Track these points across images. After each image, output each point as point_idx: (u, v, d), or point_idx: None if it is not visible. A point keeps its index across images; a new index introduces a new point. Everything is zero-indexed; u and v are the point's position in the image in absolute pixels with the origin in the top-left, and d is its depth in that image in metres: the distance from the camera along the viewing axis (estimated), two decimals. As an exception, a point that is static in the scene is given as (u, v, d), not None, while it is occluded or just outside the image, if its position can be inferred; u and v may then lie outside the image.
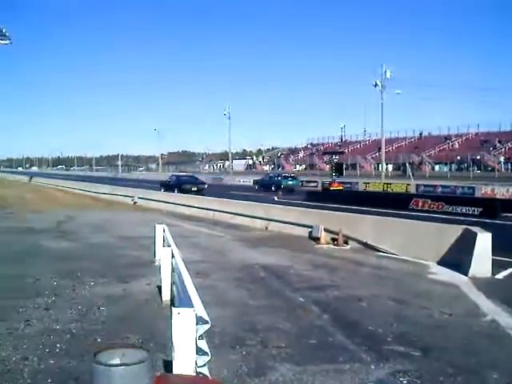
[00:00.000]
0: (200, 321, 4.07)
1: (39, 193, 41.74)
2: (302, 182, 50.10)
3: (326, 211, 17.25)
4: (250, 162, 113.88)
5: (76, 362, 5.45)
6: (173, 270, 7.56)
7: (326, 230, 14.63)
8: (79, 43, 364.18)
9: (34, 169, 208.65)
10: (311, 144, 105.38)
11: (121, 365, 1.55)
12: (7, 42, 48.25)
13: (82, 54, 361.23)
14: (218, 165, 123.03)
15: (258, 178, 55.54)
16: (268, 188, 45.71)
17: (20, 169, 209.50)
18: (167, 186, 40.16)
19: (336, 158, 37.48)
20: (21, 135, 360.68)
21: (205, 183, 42.85)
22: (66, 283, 9.11)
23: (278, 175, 51.58)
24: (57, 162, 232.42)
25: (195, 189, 38.59)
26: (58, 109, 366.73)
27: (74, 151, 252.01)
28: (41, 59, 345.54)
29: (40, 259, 11.52)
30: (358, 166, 73.26)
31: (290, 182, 47.32)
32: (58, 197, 37.59)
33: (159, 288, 8.35)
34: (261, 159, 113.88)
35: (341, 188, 36.08)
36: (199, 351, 4.12)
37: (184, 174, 60.55)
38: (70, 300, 7.99)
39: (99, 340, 6.19)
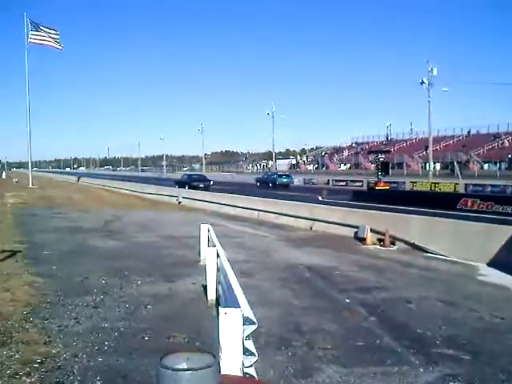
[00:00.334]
0: (247, 321, 4.04)
1: (86, 193, 42.64)
2: (293, 180, 56.17)
3: (372, 211, 16.99)
4: (294, 161, 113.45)
5: (124, 360, 5.52)
6: (218, 270, 7.58)
7: (372, 230, 14.43)
8: (123, 43, 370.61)
9: (82, 169, 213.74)
10: (356, 143, 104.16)
11: (187, 369, 1.54)
12: (61, 47, 49.62)
13: (127, 55, 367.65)
14: (262, 164, 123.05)
15: (301, 177, 61.73)
16: (267, 184, 52.26)
17: (68, 169, 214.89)
18: (180, 183, 45.40)
19: (382, 157, 36.84)
20: (69, 136, 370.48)
21: (210, 180, 47.95)
22: (114, 282, 9.25)
23: (275, 173, 59.60)
24: (104, 162, 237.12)
25: (202, 185, 43.96)
26: (105, 110, 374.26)
27: (120, 152, 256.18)
28: (86, 61, 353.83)
29: (88, 258, 11.75)
30: (404, 165, 71.96)
31: (284, 180, 53.73)
32: (104, 197, 38.34)
33: (204, 287, 8.38)
34: (304, 159, 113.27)
35: (387, 187, 35.47)
36: (246, 351, 4.09)
37: (195, 173, 69.22)
38: (118, 298, 8.10)
39: (146, 338, 6.25)
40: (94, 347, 5.88)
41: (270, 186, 51.25)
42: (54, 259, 11.36)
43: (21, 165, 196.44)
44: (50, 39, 48.56)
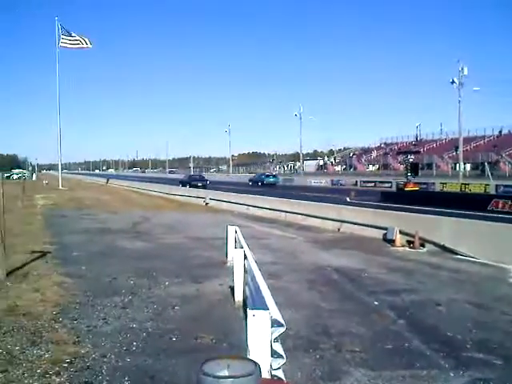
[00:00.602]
0: (275, 323, 4.00)
1: (115, 194, 43.11)
2: (279, 180, 65.01)
3: (401, 212, 16.79)
4: (321, 162, 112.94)
5: (152, 361, 5.53)
6: (245, 271, 7.56)
7: (401, 232, 14.25)
8: (150, 46, 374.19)
9: (111, 171, 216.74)
10: (385, 143, 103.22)
11: (229, 377, 1.51)
12: (89, 46, 50.32)
13: (155, 58, 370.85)
14: (289, 166, 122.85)
15: (330, 178, 62.29)
16: (257, 183, 61.09)
17: (97, 171, 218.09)
18: (183, 183, 53.73)
19: (411, 158, 36.47)
20: (98, 138, 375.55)
21: (207, 180, 56.71)
22: (142, 282, 9.30)
23: (263, 174, 69.78)
24: (132, 164, 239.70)
25: (200, 184, 51.31)
26: (134, 112, 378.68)
27: (148, 154, 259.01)
28: (116, 64, 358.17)
29: (116, 259, 11.85)
30: (434, 165, 71.05)
31: (271, 179, 63.13)
32: (133, 198, 38.72)
33: (232, 289, 8.37)
34: (332, 160, 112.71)
35: (416, 188, 35.06)
36: (274, 354, 4.05)
37: (196, 174, 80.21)
38: (146, 299, 8.14)
39: (174, 339, 6.26)
40: (123, 348, 5.90)
41: (259, 184, 60.06)
42: (83, 260, 11.48)
43: (51, 167, 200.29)
44: (79, 42, 49.32)
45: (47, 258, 11.44)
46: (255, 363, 1.57)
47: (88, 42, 49.86)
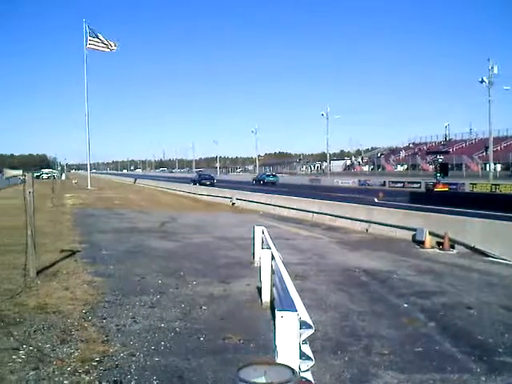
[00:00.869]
0: (303, 325, 3.96)
1: (143, 194, 43.54)
2: (278, 179, 70.49)
3: (431, 213, 16.53)
4: (349, 162, 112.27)
5: (180, 361, 5.53)
6: (272, 272, 7.52)
7: (430, 233, 14.06)
8: (177, 47, 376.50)
9: (138, 171, 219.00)
10: (413, 143, 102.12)
11: None
12: (114, 48, 50.89)
13: (182, 59, 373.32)
14: (316, 166, 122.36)
15: (357, 179, 59.73)
16: (259, 182, 67.79)
17: (125, 171, 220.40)
18: (194, 181, 61.07)
19: (440, 158, 35.95)
20: (126, 138, 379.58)
21: (214, 178, 65.27)
22: (170, 282, 9.34)
23: (264, 174, 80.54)
24: (159, 164, 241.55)
25: (208, 182, 58.45)
26: (161, 113, 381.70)
27: (175, 154, 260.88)
28: (143, 65, 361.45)
29: (144, 258, 11.92)
30: (463, 166, 69.95)
31: (271, 178, 69.91)
32: (160, 198, 39.02)
33: (259, 289, 8.33)
34: (360, 160, 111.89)
35: (446, 189, 34.55)
36: (302, 356, 4.01)
37: (206, 173, 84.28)
38: (174, 298, 8.17)
39: (202, 339, 6.26)
40: (151, 347, 5.92)
41: (261, 183, 66.85)
42: (112, 259, 11.59)
43: (79, 167, 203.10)
44: (105, 44, 49.94)
45: (76, 257, 11.58)
46: (292, 370, 1.54)
47: (113, 45, 50.46)
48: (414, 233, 14.68)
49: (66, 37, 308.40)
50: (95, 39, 49.54)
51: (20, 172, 11.02)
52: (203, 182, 59.20)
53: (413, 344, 6.32)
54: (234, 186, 44.97)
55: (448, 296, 8.81)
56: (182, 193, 44.59)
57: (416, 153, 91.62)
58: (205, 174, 78.81)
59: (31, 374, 5.03)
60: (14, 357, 5.46)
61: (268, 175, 74.87)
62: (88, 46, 49.73)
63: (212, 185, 54.40)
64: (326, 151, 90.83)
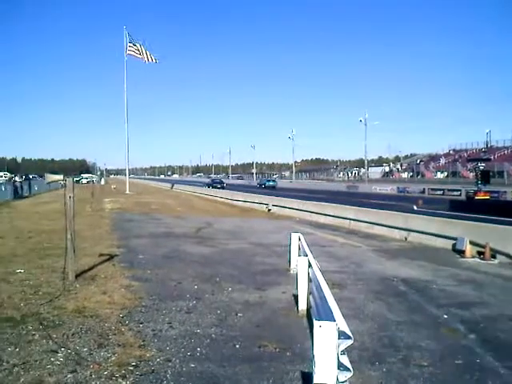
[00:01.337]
0: (342, 335, 3.88)
1: (179, 199, 43.93)
2: (277, 183, 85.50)
3: (471, 222, 16.18)
4: (387, 169, 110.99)
5: (216, 368, 5.50)
6: (309, 280, 7.44)
7: (471, 242, 13.73)
8: (214, 53, 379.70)
9: (175, 176, 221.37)
10: (453, 150, 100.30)
11: None
12: (153, 61, 51.67)
13: (220, 64, 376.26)
14: (353, 172, 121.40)
15: (395, 185, 59.97)
16: (261, 186, 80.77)
17: (162, 176, 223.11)
18: (208, 185, 74.33)
19: (482, 165, 35.07)
20: (163, 144, 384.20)
21: (224, 182, 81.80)
22: (206, 287, 9.34)
23: (265, 179, 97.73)
24: (196, 169, 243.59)
25: (219, 186, 72.14)
26: (198, 118, 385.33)
27: (212, 159, 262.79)
28: (180, 71, 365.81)
29: (181, 263, 11.97)
30: (505, 173, 68.21)
31: (271, 183, 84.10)
32: (196, 203, 39.32)
33: (295, 297, 8.26)
34: (398, 166, 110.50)
35: (487, 197, 33.63)
36: (340, 366, 3.93)
37: (217, 179, 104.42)
38: (210, 304, 8.15)
39: (237, 346, 6.21)
40: (187, 353, 5.91)
41: (263, 187, 79.06)
42: (149, 264, 11.67)
43: (118, 172, 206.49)
44: (145, 53, 50.73)
45: (114, 261, 11.70)
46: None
47: (153, 59, 51.21)
48: (454, 242, 14.38)
49: (106, 44, 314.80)
50: (135, 47, 50.35)
51: (61, 177, 11.18)
52: (215, 185, 72.47)
53: (453, 356, 6.15)
54: (245, 190, 47.30)
55: (489, 307, 8.59)
56: (217, 198, 44.83)
57: (456, 160, 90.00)
58: (216, 179, 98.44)
59: (69, 377, 5.07)
60: (52, 359, 5.52)
61: (268, 180, 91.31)
62: (128, 52, 50.58)
63: (222, 188, 67.83)
64: (363, 157, 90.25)
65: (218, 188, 65.35)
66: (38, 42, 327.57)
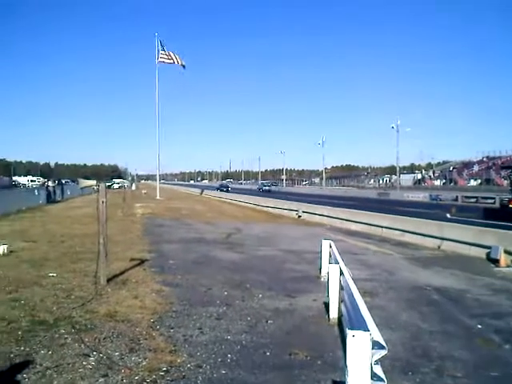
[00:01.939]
0: (375, 345, 3.81)
1: (209, 205, 44.13)
2: (271, 187, 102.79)
3: (506, 231, 15.79)
4: (419, 176, 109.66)
5: (246, 375, 5.47)
6: (341, 288, 7.35)
7: (506, 251, 13.44)
8: (243, 59, 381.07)
9: (205, 182, 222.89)
10: (487, 157, 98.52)
11: None
12: (182, 65, 52.25)
13: (249, 70, 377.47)
14: (385, 179, 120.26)
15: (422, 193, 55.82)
16: (259, 190, 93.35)
17: (192, 182, 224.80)
18: (217, 188, 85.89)
19: (516, 173, 34.35)
20: (193, 150, 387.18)
21: (229, 187, 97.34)
22: (236, 294, 9.33)
23: (262, 184, 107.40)
24: (225, 175, 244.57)
25: (225, 189, 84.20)
26: (228, 125, 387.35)
27: (241, 165, 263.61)
28: (209, 77, 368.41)
29: (211, 269, 11.97)
30: (541, 181, 66.68)
31: (266, 187, 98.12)
32: (226, 209, 39.42)
33: (326, 305, 8.19)
34: (431, 173, 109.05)
35: (522, 205, 32.87)
36: (374, 376, 3.86)
37: (224, 183, 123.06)
38: (240, 311, 8.13)
39: (268, 354, 6.17)
40: (218, 359, 5.89)
41: (261, 191, 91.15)
42: (179, 269, 11.71)
43: (148, 177, 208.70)
44: (176, 58, 51.31)
45: (145, 266, 11.78)
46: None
47: (182, 63, 51.81)
48: (489, 250, 14.10)
49: (138, 50, 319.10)
50: (166, 53, 50.94)
51: (94, 182, 11.33)
52: (221, 189, 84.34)
53: (488, 367, 6.03)
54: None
55: (526, 318, 8.36)
56: (247, 204, 44.86)
57: (490, 167, 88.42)
58: (223, 184, 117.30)
59: (101, 381, 5.10)
60: (84, 363, 5.57)
61: (265, 185, 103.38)
62: (159, 59, 51.19)
63: (227, 191, 77.71)
64: (395, 164, 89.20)
65: (224, 191, 76.32)
66: (67, 50, 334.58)
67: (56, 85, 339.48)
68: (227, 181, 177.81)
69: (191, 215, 30.60)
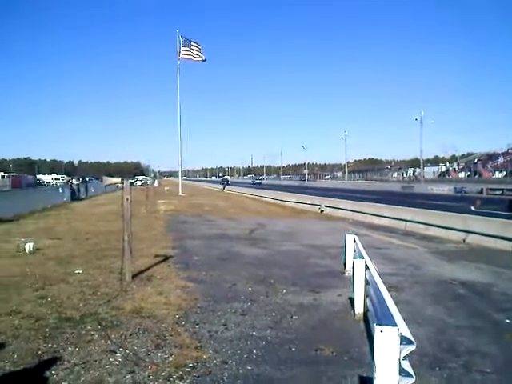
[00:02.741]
0: (403, 340, 3.77)
1: (231, 201, 44.20)
2: (260, 180, 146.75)
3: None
4: (443, 168, 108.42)
5: (272, 370, 5.46)
6: (366, 283, 7.30)
7: (532, 244, 13.21)
8: (266, 55, 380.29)
9: (226, 178, 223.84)
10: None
11: None
12: (202, 58, 52.35)
13: (271, 66, 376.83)
14: (408, 172, 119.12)
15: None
16: (251, 183, 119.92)
17: (213, 178, 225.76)
18: (220, 183, 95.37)
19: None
20: (215, 145, 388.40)
21: (228, 181, 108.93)
22: (260, 289, 9.32)
23: (255, 178, 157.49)
24: (247, 171, 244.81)
25: (225, 183, 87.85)
26: (250, 120, 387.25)
27: (263, 161, 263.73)
28: (231, 73, 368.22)
29: (234, 265, 12.00)
30: None
31: (258, 181, 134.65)
32: (248, 205, 39.42)
33: (351, 300, 8.14)
34: (455, 166, 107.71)
35: (548, 197, 32.45)
36: (402, 372, 3.82)
37: (225, 178, 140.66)
38: (265, 306, 8.12)
39: (293, 349, 6.16)
40: (243, 355, 5.89)
41: (254, 183, 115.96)
42: (203, 265, 11.76)
43: (171, 174, 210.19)
44: (197, 54, 51.46)
45: (169, 262, 11.85)
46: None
47: (201, 56, 51.98)
48: (516, 243, 13.88)
49: (159, 47, 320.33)
50: (187, 49, 51.11)
51: (118, 180, 11.43)
52: (223, 183, 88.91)
53: (517, 363, 5.92)
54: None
55: (556, 313, 8.20)
56: (269, 199, 44.79)
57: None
58: (224, 178, 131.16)
59: (128, 378, 5.14)
60: (111, 359, 5.62)
61: (256, 179, 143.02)
62: (181, 56, 51.40)
63: (227, 184, 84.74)
64: (418, 157, 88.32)
65: (224, 185, 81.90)
66: (90, 48, 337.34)
67: (78, 85, 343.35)
68: (269, 177, 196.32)
69: (214, 211, 30.69)
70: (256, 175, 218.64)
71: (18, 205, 25.64)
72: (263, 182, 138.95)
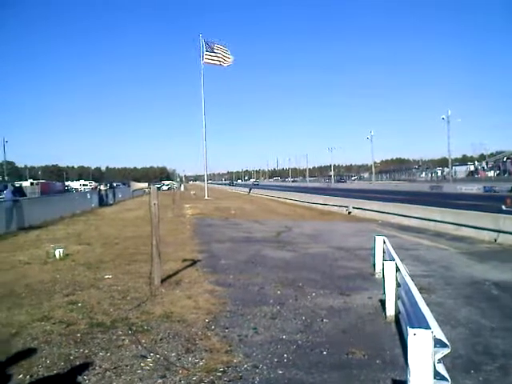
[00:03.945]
0: (437, 343, 3.69)
1: (257, 204, 44.19)
2: (257, 181, 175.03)
3: None
4: (472, 167, 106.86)
5: (304, 374, 5.40)
6: (397, 285, 7.19)
7: None
8: (289, 55, 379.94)
9: (252, 181, 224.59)
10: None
11: None
12: (228, 61, 52.50)
13: (297, 67, 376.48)
14: (437, 172, 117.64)
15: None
16: (253, 184, 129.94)
17: (239, 181, 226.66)
18: (229, 184, 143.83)
19: None
20: (240, 149, 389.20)
21: (233, 182, 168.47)
22: (289, 293, 9.26)
23: (254, 180, 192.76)
24: (272, 173, 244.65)
25: (231, 184, 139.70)
26: (275, 122, 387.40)
27: (288, 163, 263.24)
28: (256, 75, 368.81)
29: (262, 268, 11.94)
30: None
31: (256, 183, 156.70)
32: (274, 207, 39.38)
33: (382, 302, 8.02)
34: (484, 165, 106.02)
35: None
36: (436, 375, 3.74)
37: (232, 180, 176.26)
38: (294, 310, 8.06)
39: (325, 353, 6.08)
40: (274, 359, 5.84)
41: (254, 184, 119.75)
42: (231, 268, 11.74)
43: (196, 178, 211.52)
44: (221, 58, 51.59)
45: (197, 266, 11.87)
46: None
47: (230, 59, 52.03)
48: (549, 243, 13.56)
49: (184, 51, 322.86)
50: (211, 54, 51.32)
51: (146, 185, 11.54)
52: (230, 183, 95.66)
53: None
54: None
55: None
56: (295, 202, 44.70)
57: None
58: (231, 180, 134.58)
59: (159, 383, 5.14)
60: (142, 364, 5.62)
61: (255, 180, 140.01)
62: (204, 60, 51.64)
63: (232, 185, 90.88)
64: (447, 156, 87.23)
65: (232, 185, 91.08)
66: (115, 55, 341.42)
67: (104, 92, 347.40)
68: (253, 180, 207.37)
69: (240, 214, 30.70)
70: (282, 178, 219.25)
71: (47, 211, 25.99)
72: (290, 184, 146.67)
